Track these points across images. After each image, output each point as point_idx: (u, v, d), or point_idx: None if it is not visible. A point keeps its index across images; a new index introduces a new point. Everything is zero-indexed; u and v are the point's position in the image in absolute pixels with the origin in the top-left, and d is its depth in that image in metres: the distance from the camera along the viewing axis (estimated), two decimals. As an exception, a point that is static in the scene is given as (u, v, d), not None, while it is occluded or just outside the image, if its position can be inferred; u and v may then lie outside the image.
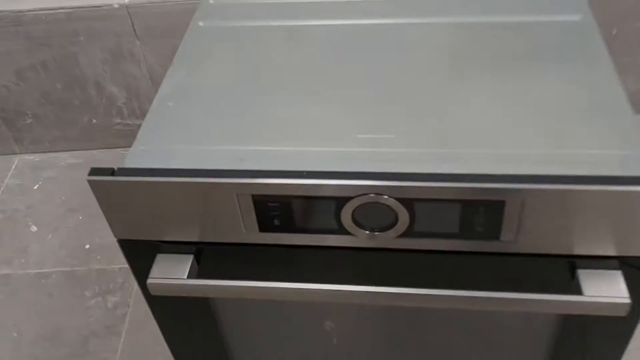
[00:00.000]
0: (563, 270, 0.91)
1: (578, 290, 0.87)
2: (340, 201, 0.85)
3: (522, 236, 0.85)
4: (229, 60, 1.09)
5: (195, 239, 0.94)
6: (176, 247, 0.96)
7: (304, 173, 0.84)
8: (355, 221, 0.87)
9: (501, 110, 0.92)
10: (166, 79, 1.05)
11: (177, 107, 0.99)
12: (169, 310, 1.06)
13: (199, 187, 0.86)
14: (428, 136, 0.88)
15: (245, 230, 0.91)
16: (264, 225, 0.90)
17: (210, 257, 0.97)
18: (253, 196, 0.86)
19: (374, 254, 0.93)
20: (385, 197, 0.83)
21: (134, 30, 2.09)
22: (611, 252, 0.85)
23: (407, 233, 0.87)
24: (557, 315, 0.98)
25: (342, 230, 0.88)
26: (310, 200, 0.86)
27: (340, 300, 0.94)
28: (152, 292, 0.93)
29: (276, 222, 0.89)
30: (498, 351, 1.11)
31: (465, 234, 0.86)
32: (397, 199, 0.83)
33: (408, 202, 0.84)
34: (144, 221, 0.92)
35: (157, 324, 1.09)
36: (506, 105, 0.93)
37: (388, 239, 0.88)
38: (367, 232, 0.88)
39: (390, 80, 1.00)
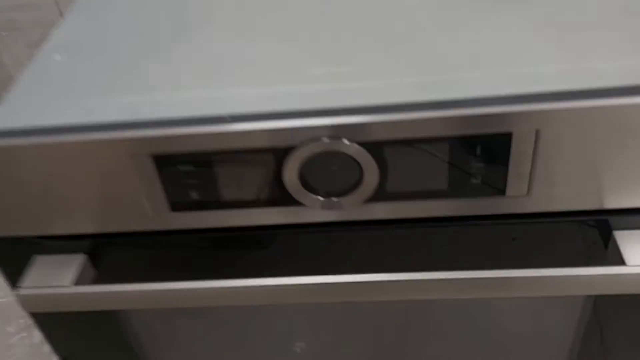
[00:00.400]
0: (592, 235, 0.67)
1: (617, 260, 0.63)
2: (280, 154, 0.60)
3: (537, 187, 0.61)
4: (137, 4, 0.83)
5: (86, 230, 0.67)
6: (62, 245, 0.69)
7: (227, 118, 0.59)
8: (303, 183, 0.62)
9: (503, 26, 0.68)
10: (56, 30, 0.79)
11: (66, 59, 0.72)
12: (63, 330, 0.79)
13: (78, 148, 0.60)
14: (406, 64, 0.63)
15: (152, 211, 0.65)
16: (177, 201, 0.64)
17: (109, 255, 0.70)
18: (155, 157, 0.60)
19: (334, 230, 0.68)
20: (345, 142, 0.58)
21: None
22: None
23: (378, 195, 0.62)
24: (583, 301, 0.74)
25: (286, 199, 0.63)
26: (238, 157, 0.60)
27: (295, 300, 0.68)
28: (26, 308, 0.66)
29: (193, 194, 0.63)
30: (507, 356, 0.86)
31: (458, 191, 0.62)
32: (362, 144, 0.58)
33: (376, 148, 0.59)
34: (12, 209, 0.65)
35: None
36: (510, 21, 0.69)
37: (351, 207, 0.63)
38: (320, 198, 0.63)
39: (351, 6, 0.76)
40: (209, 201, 0.64)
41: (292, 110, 0.58)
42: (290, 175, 0.61)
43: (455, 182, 0.61)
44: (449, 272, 0.63)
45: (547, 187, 0.61)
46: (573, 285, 0.63)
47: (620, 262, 0.62)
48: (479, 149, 0.58)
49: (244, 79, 0.64)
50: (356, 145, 0.58)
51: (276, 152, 0.60)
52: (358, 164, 0.60)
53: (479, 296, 0.65)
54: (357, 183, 0.62)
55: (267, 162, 0.61)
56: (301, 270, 0.66)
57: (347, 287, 0.66)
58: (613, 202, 0.62)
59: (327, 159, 0.60)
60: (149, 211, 0.65)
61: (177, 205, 0.64)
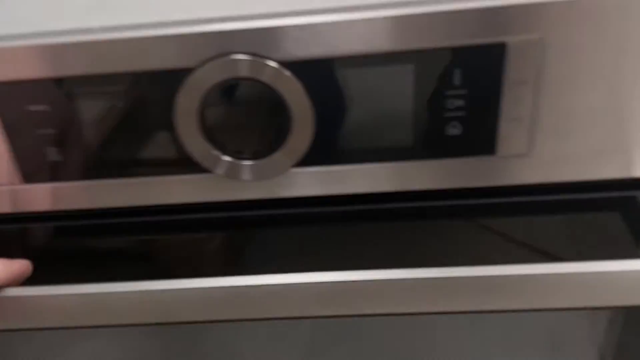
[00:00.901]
0: (613, 221, 0.48)
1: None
2: (168, 84, 0.41)
3: (542, 141, 0.42)
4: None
5: None
6: None
7: (97, 29, 0.41)
8: (206, 134, 0.42)
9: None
10: None
11: None
12: None
13: None
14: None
15: (-6, 179, 0.45)
16: (28, 165, 0.44)
17: None
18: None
19: (256, 212, 0.48)
20: (267, 64, 0.40)
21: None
22: None
23: (313, 154, 0.43)
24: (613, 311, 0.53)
25: (181, 161, 0.43)
26: (109, 88, 0.42)
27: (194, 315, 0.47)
28: None
29: (49, 154, 0.44)
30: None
31: (427, 148, 0.43)
32: (288, 65, 0.40)
33: (310, 74, 0.40)
34: None
35: None
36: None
37: (274, 172, 0.44)
38: (229, 159, 0.43)
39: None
40: (72, 165, 0.44)
41: (187, 19, 0.40)
42: (186, 122, 0.42)
43: (424, 134, 0.42)
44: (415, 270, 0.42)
45: (556, 141, 0.42)
46: (598, 289, 0.43)
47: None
48: (458, 74, 0.40)
49: None
50: (280, 69, 0.40)
51: (163, 82, 0.41)
52: (282, 101, 0.41)
53: (453, 307, 0.44)
54: (281, 134, 0.43)
55: (151, 95, 0.42)
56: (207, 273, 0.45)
57: (277, 293, 0.45)
58: (649, 166, 0.43)
59: (237, 94, 0.41)
60: (-11, 182, 0.45)
61: (28, 168, 0.44)
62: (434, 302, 0.43)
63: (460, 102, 0.41)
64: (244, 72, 0.40)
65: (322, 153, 0.43)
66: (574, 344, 0.61)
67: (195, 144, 0.43)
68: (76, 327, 0.45)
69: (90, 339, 0.63)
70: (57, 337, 0.61)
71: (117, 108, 0.43)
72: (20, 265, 0.42)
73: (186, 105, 0.41)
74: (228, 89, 0.41)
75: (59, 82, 0.41)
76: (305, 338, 0.66)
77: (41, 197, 0.46)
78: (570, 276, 0.41)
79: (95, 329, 0.53)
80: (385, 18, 0.38)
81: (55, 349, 0.63)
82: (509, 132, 0.42)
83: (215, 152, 0.43)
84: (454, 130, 0.42)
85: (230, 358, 0.63)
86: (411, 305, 0.43)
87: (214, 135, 0.43)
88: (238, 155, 0.43)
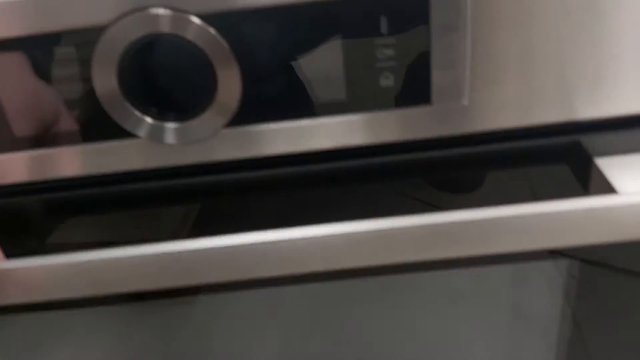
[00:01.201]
0: (563, 172, 0.47)
1: (604, 188, 0.42)
2: (83, 41, 0.39)
3: (477, 90, 0.41)
4: None
5: None
6: None
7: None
8: (127, 96, 0.40)
9: None
10: None
11: None
12: None
13: None
14: None
15: None
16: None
17: None
18: None
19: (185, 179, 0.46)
20: (191, 20, 0.37)
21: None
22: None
23: (244, 114, 0.41)
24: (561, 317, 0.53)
25: (107, 127, 0.41)
26: (21, 52, 0.39)
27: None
28: None
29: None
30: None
31: (361, 98, 0.41)
32: (210, 19, 0.38)
33: (232, 28, 0.38)
34: None
35: None
36: None
37: (201, 135, 0.42)
38: (152, 122, 0.41)
39: None
40: (-14, 135, 0.42)
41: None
42: (105, 81, 0.39)
43: (357, 86, 0.41)
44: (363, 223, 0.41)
45: (492, 87, 0.41)
46: (552, 228, 0.42)
47: (608, 189, 0.42)
48: (384, 22, 0.38)
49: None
50: (203, 27, 0.38)
51: (76, 40, 0.38)
52: (207, 60, 0.39)
53: (411, 257, 0.43)
54: (208, 94, 0.40)
55: (68, 57, 0.39)
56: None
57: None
58: (585, 109, 0.42)
59: (158, 51, 0.39)
60: None
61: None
62: (398, 253, 0.42)
63: (390, 52, 0.39)
64: (164, 28, 0.38)
65: (251, 112, 0.41)
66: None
67: (117, 106, 0.40)
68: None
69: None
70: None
71: (37, 73, 0.40)
72: None
73: (104, 66, 0.39)
74: (147, 46, 0.39)
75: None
76: (280, 329, 0.65)
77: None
78: (527, 218, 0.40)
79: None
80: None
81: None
82: (443, 81, 0.41)
83: (138, 115, 0.41)
84: (387, 81, 0.41)
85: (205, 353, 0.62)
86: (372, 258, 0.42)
87: (136, 97, 0.40)
88: (162, 117, 0.41)
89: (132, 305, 0.55)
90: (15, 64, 0.39)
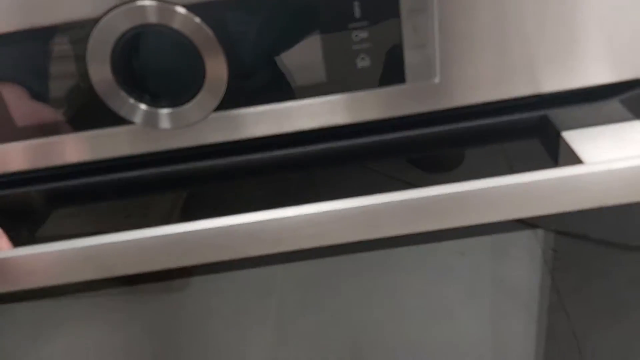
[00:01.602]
0: (533, 144, 0.50)
1: (571, 159, 0.45)
2: (77, 37, 0.42)
3: (447, 67, 0.44)
4: None
5: None
6: None
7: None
8: (121, 84, 0.43)
9: None
10: None
11: None
12: None
13: None
14: None
15: None
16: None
17: None
18: None
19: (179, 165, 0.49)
20: (176, 10, 0.40)
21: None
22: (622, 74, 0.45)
23: (231, 98, 0.44)
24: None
25: (101, 114, 0.44)
26: (18, 45, 0.42)
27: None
28: None
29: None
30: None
31: (340, 79, 0.44)
32: (194, 9, 0.41)
33: (218, 17, 0.41)
34: None
35: None
36: None
37: (192, 119, 0.45)
38: (146, 108, 0.44)
39: None
40: (-9, 126, 0.44)
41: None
42: (98, 65, 0.42)
43: (335, 68, 0.44)
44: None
45: (461, 64, 0.44)
46: (524, 198, 0.44)
47: (574, 159, 0.45)
48: (357, 6, 0.41)
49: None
50: (189, 15, 0.41)
51: (69, 33, 0.41)
52: (193, 47, 0.42)
53: (394, 231, 0.46)
54: (196, 81, 0.43)
55: (64, 50, 0.42)
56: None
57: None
58: (552, 82, 0.45)
59: (149, 42, 0.42)
60: None
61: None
62: (381, 228, 0.44)
63: (364, 34, 0.42)
64: (151, 18, 0.41)
65: (238, 96, 0.44)
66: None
67: (112, 95, 0.43)
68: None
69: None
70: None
71: (35, 66, 0.43)
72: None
73: (98, 57, 0.42)
74: (138, 37, 0.42)
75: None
76: (272, 311, 0.67)
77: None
78: (501, 189, 0.43)
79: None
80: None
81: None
82: (415, 60, 0.43)
83: (132, 102, 0.44)
84: (363, 62, 0.44)
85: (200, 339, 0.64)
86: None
87: (129, 85, 0.43)
88: (155, 103, 0.44)
89: (126, 295, 0.58)
90: (14, 57, 0.42)
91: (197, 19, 0.41)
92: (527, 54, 0.44)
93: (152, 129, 0.44)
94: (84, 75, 0.43)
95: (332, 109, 0.45)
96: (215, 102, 0.44)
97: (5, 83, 0.43)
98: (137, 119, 0.44)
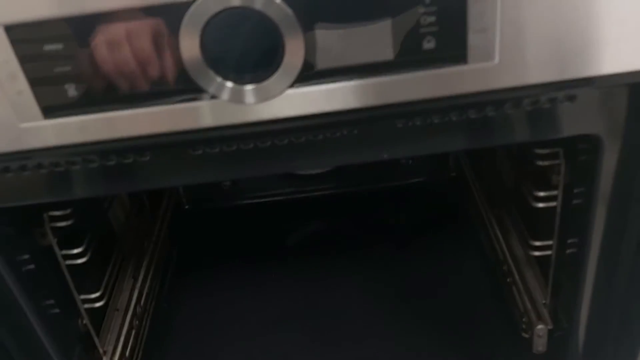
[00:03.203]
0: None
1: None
2: (171, 18, 0.46)
3: (507, 47, 0.48)
4: None
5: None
6: None
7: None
8: (209, 63, 0.48)
9: None
10: None
11: None
12: None
13: None
14: None
15: (19, 120, 0.50)
16: (47, 101, 0.49)
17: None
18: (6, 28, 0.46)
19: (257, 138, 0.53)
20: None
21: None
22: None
23: (305, 75, 0.48)
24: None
25: (189, 90, 0.49)
26: (118, 26, 0.47)
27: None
28: None
29: (69, 90, 0.49)
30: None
31: (406, 60, 0.48)
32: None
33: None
34: None
35: None
36: None
37: (272, 94, 0.49)
38: (227, 83, 0.48)
39: None
40: (88, 100, 0.49)
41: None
42: (189, 46, 0.47)
43: (403, 48, 0.48)
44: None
45: (519, 48, 0.48)
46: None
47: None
48: (428, -8, 0.45)
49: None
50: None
51: (167, 13, 0.46)
52: (274, 27, 0.46)
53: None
54: (275, 58, 0.48)
55: (157, 29, 0.47)
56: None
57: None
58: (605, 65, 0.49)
59: (234, 25, 0.46)
60: (15, 121, 0.50)
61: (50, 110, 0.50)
62: None
63: (432, 19, 0.46)
64: (236, 2, 0.45)
65: (313, 73, 0.49)
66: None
67: (201, 73, 0.48)
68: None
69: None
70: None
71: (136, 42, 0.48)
72: None
73: (189, 38, 0.46)
74: (225, 18, 0.46)
75: (71, 20, 0.46)
76: None
77: (61, 131, 0.51)
78: None
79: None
80: None
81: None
82: (477, 43, 0.47)
83: (219, 80, 0.48)
84: (429, 44, 0.48)
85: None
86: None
87: (217, 64, 0.48)
88: (240, 80, 0.48)
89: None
90: (117, 33, 0.47)
91: (278, 0, 0.45)
92: (582, 38, 0.47)
93: (237, 104, 0.49)
94: (176, 53, 0.47)
95: (397, 87, 0.50)
96: (292, 78, 0.48)
97: (106, 55, 0.47)
98: (224, 95, 0.49)
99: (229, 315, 0.97)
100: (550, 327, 0.80)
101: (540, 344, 0.81)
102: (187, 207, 1.22)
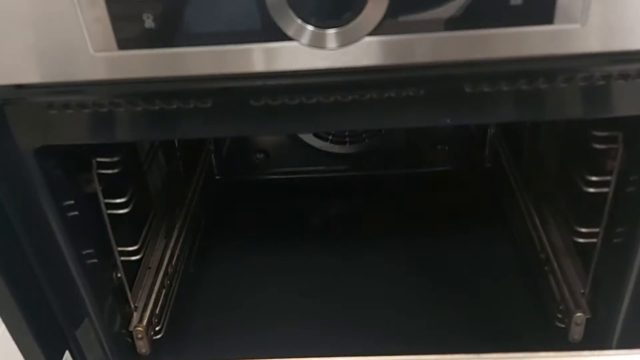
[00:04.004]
0: None
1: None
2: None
3: (594, 9, 0.47)
4: None
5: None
6: None
7: None
8: (291, 6, 0.47)
9: None
10: None
11: None
12: None
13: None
14: None
15: (93, 48, 0.49)
16: (124, 32, 0.49)
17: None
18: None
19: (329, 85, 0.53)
20: None
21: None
22: None
23: (387, 21, 0.48)
24: None
25: (271, 29, 0.48)
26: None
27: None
28: None
29: (147, 21, 0.48)
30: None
31: (492, 14, 0.47)
32: None
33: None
34: None
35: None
36: None
37: (349, 41, 0.48)
38: (312, 28, 0.48)
39: None
40: (168, 30, 0.49)
41: None
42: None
43: (489, 4, 0.47)
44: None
45: (606, 11, 0.47)
46: None
47: None
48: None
49: None
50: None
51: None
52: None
53: None
54: (359, 5, 0.47)
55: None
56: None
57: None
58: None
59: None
60: (89, 49, 0.49)
61: (123, 35, 0.49)
62: None
63: (522, -28, 0.45)
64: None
65: (393, 23, 0.48)
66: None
67: (282, 14, 0.47)
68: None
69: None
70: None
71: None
72: None
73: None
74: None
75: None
76: None
77: (134, 64, 0.51)
78: None
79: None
80: None
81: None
82: (566, 3, 0.47)
83: (300, 22, 0.48)
84: (516, 0, 0.47)
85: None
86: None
87: (299, 7, 0.47)
88: (320, 24, 0.48)
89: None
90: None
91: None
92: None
93: (316, 48, 0.48)
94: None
95: (478, 43, 0.49)
96: (373, 25, 0.48)
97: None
98: (303, 38, 0.48)
99: (251, 285, 0.97)
100: (588, 316, 0.79)
101: (577, 333, 0.80)
102: (217, 177, 1.22)
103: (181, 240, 0.98)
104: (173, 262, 0.94)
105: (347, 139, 1.19)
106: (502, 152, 1.11)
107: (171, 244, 0.94)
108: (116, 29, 0.48)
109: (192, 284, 0.98)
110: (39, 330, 0.72)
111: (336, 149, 1.20)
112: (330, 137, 1.19)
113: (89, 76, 0.51)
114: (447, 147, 1.18)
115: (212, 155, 1.19)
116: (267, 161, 1.21)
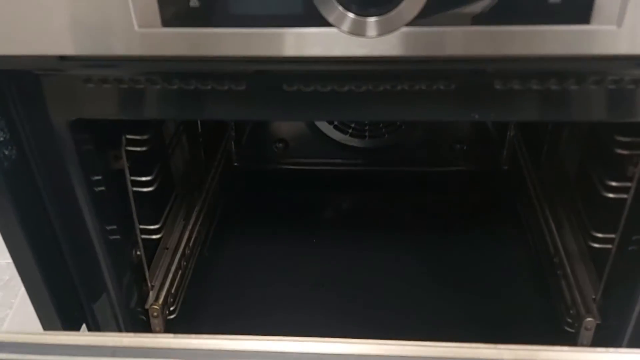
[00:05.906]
0: None
1: None
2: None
3: (632, 11, 0.48)
4: None
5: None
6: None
7: None
8: (334, -7, 0.48)
9: None
10: None
11: None
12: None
13: None
14: None
15: (138, 24, 0.51)
16: (169, 10, 0.50)
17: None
18: None
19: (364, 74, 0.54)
20: None
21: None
22: None
23: (427, 12, 0.49)
24: None
25: (312, 14, 0.49)
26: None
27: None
28: None
29: (192, 0, 0.49)
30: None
31: (529, 11, 0.48)
32: None
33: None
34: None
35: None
36: None
37: (389, 29, 0.49)
38: (352, 15, 0.49)
39: None
40: (209, 12, 0.50)
41: None
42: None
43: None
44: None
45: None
46: None
47: None
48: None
49: None
50: None
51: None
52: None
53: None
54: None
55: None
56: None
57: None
58: None
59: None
60: (134, 25, 0.51)
61: (168, 13, 0.50)
62: None
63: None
64: None
65: (431, 14, 0.49)
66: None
67: (325, 2, 0.48)
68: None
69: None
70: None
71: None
72: None
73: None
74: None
75: None
76: None
77: (175, 42, 0.52)
78: None
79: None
80: None
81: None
82: (604, 3, 0.47)
83: (341, 9, 0.48)
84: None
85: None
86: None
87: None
88: (360, 11, 0.49)
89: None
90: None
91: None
92: None
93: (355, 36, 0.49)
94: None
95: (513, 39, 0.50)
96: (413, 15, 0.48)
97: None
98: (344, 26, 0.49)
99: (263, 272, 0.98)
100: (598, 321, 0.80)
101: (586, 337, 0.80)
102: (236, 164, 1.23)
103: (199, 223, 0.99)
104: (190, 245, 0.95)
105: (367, 133, 1.20)
106: (521, 154, 1.12)
107: (189, 227, 0.96)
108: (162, 6, 0.49)
109: (206, 268, 0.99)
110: (59, 301, 0.74)
111: (355, 142, 1.20)
112: (350, 130, 1.20)
113: (129, 51, 0.52)
114: (465, 147, 1.19)
115: (233, 142, 1.20)
116: (286, 151, 1.22)
